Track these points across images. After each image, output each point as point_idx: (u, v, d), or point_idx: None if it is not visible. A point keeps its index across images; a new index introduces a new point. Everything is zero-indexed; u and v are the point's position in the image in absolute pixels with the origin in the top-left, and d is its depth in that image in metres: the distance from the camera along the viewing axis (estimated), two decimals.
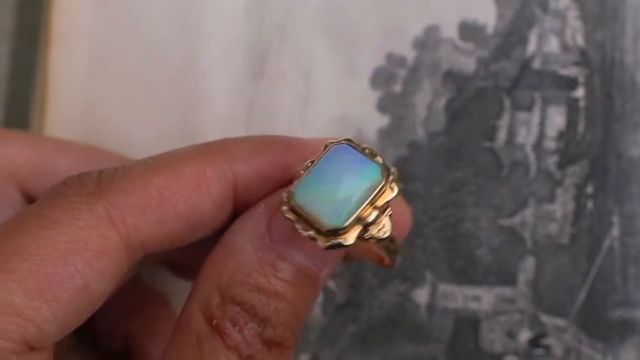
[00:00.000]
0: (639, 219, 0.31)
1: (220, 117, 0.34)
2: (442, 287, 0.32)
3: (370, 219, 0.22)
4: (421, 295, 0.32)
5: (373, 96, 0.33)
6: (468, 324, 0.32)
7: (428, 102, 0.33)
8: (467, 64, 0.32)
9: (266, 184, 0.24)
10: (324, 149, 0.23)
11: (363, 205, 0.22)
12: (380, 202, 0.22)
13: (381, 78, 0.33)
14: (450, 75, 0.32)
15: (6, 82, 0.36)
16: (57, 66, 0.35)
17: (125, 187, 0.23)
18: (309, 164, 0.23)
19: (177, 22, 0.34)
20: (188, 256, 0.28)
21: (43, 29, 0.35)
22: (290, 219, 0.22)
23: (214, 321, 0.23)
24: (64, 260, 0.22)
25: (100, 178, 0.23)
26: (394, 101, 0.33)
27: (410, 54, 0.33)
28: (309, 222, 0.22)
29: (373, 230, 0.22)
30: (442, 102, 0.33)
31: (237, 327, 0.23)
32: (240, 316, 0.23)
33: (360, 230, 0.22)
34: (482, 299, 0.31)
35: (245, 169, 0.24)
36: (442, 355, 0.32)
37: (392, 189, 0.22)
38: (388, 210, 0.22)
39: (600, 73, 0.32)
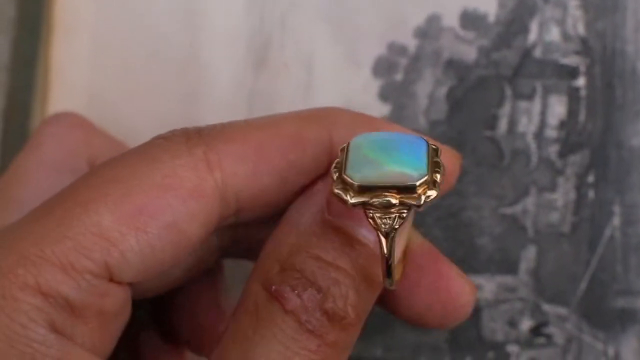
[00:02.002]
0: None
1: (222, 108, 0.34)
2: None
3: (438, 177, 0.22)
4: None
5: (375, 85, 0.33)
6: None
7: (429, 91, 0.33)
8: (469, 53, 0.32)
9: None
10: None
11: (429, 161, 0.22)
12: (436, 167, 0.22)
13: (383, 67, 0.33)
14: (452, 64, 0.33)
15: (8, 72, 0.36)
16: (58, 56, 0.35)
17: (225, 136, 0.23)
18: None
19: (179, 12, 0.34)
20: None
21: (45, 19, 0.35)
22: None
23: (273, 287, 0.22)
24: (158, 193, 0.22)
25: (200, 128, 0.24)
26: (395, 90, 0.33)
27: (411, 43, 0.33)
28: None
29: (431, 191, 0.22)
30: (443, 91, 0.33)
31: (296, 292, 0.22)
32: (299, 282, 0.22)
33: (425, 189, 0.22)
34: (483, 287, 0.32)
35: (343, 137, 0.24)
36: (443, 344, 0.32)
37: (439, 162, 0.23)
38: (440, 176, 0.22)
39: (601, 62, 0.32)
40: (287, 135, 0.24)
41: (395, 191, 0.22)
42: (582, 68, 0.32)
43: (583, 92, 0.32)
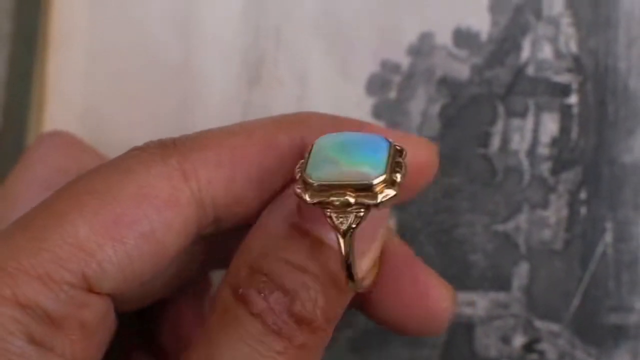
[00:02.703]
0: (632, 225, 0.31)
1: (216, 121, 0.34)
2: None
3: (398, 176, 0.22)
4: None
5: (368, 102, 0.33)
6: (462, 329, 0.32)
7: (422, 108, 0.33)
8: (461, 71, 0.33)
9: None
10: None
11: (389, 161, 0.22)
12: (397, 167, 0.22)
13: (376, 84, 0.33)
14: (445, 82, 0.33)
15: (4, 86, 0.36)
16: (54, 70, 0.35)
17: (200, 144, 0.23)
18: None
19: (173, 27, 0.34)
20: None
21: (40, 34, 0.35)
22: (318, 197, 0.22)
23: (240, 290, 0.22)
24: (133, 204, 0.22)
25: (175, 138, 0.24)
26: (388, 107, 0.33)
27: (404, 61, 0.33)
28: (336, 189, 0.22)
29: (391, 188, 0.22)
30: (436, 108, 0.33)
31: (263, 295, 0.22)
32: (266, 285, 0.22)
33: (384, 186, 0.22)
34: (476, 304, 0.32)
35: (315, 139, 0.24)
36: None
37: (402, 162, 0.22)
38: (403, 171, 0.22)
39: (594, 80, 0.32)
40: (261, 141, 0.24)
41: (352, 190, 0.21)
42: (575, 85, 0.32)
43: (575, 110, 0.32)
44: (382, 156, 0.22)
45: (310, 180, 0.22)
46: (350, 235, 0.22)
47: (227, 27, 0.34)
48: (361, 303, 0.26)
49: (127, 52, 0.35)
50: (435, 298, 0.26)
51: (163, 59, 0.34)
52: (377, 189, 0.21)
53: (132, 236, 0.22)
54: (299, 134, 0.24)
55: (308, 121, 0.25)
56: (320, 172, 0.22)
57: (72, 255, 0.21)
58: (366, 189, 0.21)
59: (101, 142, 0.34)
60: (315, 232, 0.23)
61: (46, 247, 0.21)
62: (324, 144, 0.22)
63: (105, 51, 0.35)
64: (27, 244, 0.21)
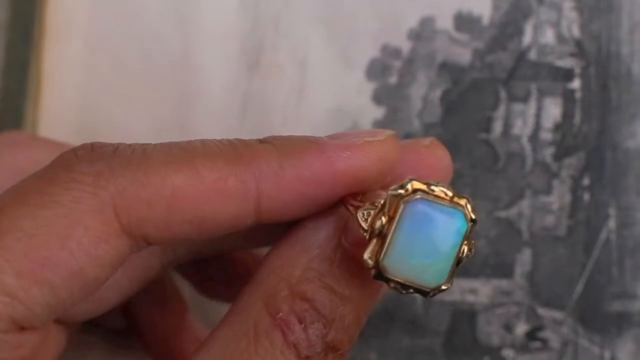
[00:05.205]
0: (636, 211, 0.31)
1: (215, 109, 0.34)
2: None
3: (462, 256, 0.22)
4: None
5: (368, 88, 0.33)
6: (465, 317, 0.31)
7: (423, 93, 0.33)
8: (463, 55, 0.32)
9: (298, 198, 0.23)
10: (399, 209, 0.22)
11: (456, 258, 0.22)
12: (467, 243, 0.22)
13: (376, 69, 0.33)
14: (446, 67, 0.32)
15: (0, 76, 0.35)
16: (51, 60, 0.35)
17: (139, 176, 0.22)
18: (386, 217, 0.22)
19: (172, 14, 0.34)
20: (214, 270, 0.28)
21: (38, 23, 0.35)
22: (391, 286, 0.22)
23: (279, 314, 0.22)
24: (60, 244, 0.21)
25: (114, 156, 0.22)
26: (389, 93, 0.33)
27: (405, 46, 0.33)
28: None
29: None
30: (437, 93, 0.32)
31: (303, 325, 0.22)
32: (308, 314, 0.22)
33: None
34: (479, 291, 0.31)
35: (271, 187, 0.23)
36: (439, 348, 0.31)
37: (474, 223, 0.22)
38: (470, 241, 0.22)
39: (596, 64, 0.32)
40: (207, 184, 0.22)
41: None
42: (577, 70, 0.32)
43: (578, 95, 0.32)
44: (459, 224, 0.22)
45: (386, 269, 0.21)
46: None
47: (225, 17, 0.34)
48: None
49: (124, 42, 0.34)
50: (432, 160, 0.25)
51: (162, 49, 0.34)
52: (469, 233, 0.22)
53: (60, 278, 0.21)
54: (253, 180, 0.22)
55: (262, 163, 0.23)
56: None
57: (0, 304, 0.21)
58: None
59: (98, 131, 0.34)
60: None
61: None
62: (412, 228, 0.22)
63: (103, 42, 0.35)
64: None
